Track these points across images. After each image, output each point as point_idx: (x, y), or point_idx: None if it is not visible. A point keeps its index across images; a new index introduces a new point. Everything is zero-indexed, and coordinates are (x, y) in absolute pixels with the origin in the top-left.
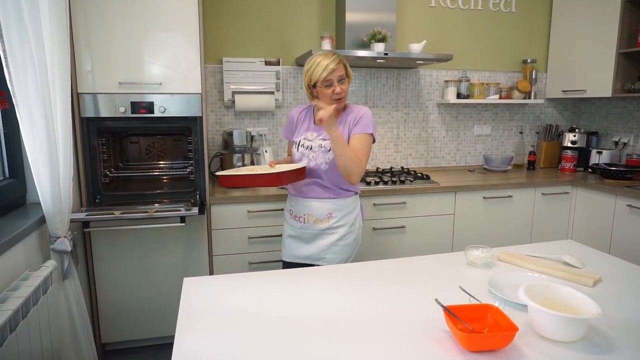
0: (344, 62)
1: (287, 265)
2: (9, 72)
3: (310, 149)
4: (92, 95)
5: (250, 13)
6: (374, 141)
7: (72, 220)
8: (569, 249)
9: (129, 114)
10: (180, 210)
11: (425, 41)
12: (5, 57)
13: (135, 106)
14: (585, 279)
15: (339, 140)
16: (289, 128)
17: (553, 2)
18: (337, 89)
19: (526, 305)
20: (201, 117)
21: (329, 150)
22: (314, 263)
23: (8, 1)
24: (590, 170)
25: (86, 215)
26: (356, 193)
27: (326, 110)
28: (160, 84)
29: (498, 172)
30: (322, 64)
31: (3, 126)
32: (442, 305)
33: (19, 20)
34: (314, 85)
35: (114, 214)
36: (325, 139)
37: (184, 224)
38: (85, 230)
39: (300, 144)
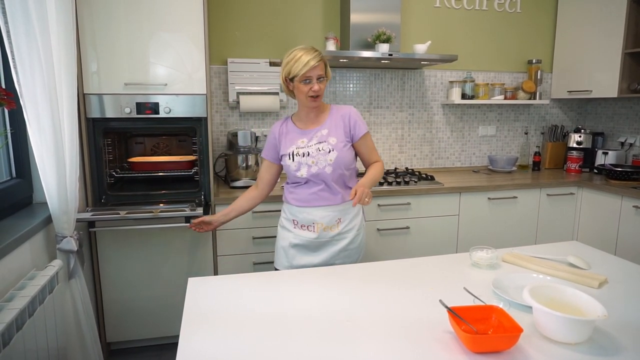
0: (325, 60)
1: None
2: (16, 73)
3: (308, 155)
4: (97, 96)
5: (255, 14)
6: None
7: (78, 220)
8: (574, 250)
9: (134, 115)
10: (185, 211)
11: (429, 42)
12: (13, 58)
13: (140, 107)
14: (590, 280)
15: (372, 180)
16: (272, 145)
17: (558, 2)
18: (315, 87)
19: (531, 307)
20: (206, 118)
21: (329, 152)
22: None
23: (16, 3)
24: (596, 171)
25: (92, 215)
26: None
27: (361, 190)
28: (166, 84)
29: (503, 173)
30: (302, 60)
31: (10, 127)
32: (447, 306)
33: (27, 22)
34: (292, 79)
35: (119, 214)
36: (321, 142)
37: (188, 224)
38: (90, 230)
39: (295, 153)
